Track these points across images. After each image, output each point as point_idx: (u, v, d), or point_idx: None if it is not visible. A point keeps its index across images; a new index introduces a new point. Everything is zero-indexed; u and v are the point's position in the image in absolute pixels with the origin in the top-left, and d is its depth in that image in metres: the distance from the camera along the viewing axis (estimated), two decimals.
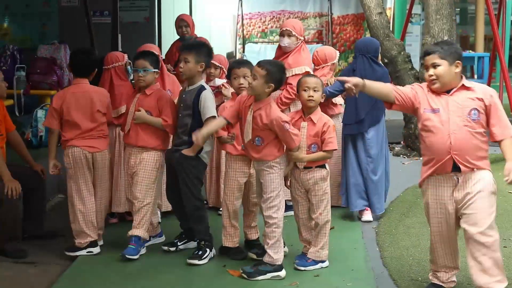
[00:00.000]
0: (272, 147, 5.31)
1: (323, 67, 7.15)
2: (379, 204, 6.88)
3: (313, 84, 5.41)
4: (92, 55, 6.11)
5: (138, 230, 5.75)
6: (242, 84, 5.70)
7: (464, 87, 4.64)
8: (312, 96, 5.39)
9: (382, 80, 6.76)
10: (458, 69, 4.63)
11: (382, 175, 6.90)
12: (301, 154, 5.39)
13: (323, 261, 5.45)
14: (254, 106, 5.31)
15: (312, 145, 5.40)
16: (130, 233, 5.75)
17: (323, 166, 5.45)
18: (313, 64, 7.22)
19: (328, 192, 5.49)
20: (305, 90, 5.43)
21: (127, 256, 5.64)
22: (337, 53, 7.35)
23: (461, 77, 4.67)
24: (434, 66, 4.64)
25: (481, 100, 4.57)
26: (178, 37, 8.61)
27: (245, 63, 5.87)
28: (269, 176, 5.32)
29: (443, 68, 4.60)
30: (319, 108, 5.52)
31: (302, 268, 5.38)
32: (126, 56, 6.69)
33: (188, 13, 17.01)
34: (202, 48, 5.75)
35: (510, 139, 4.58)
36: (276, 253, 5.32)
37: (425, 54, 4.78)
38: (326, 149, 5.38)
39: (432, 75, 4.64)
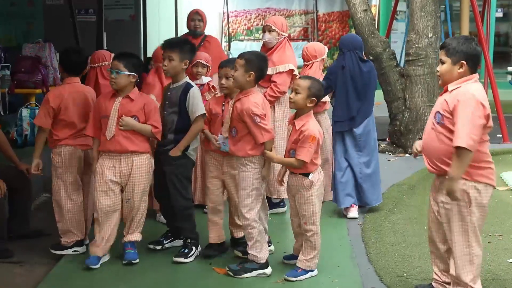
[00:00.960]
0: (244, 142, 5.25)
1: (312, 63, 7.16)
2: (375, 196, 6.90)
3: (295, 86, 5.30)
4: (83, 54, 6.08)
5: (135, 235, 5.68)
6: (224, 84, 5.62)
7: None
8: (291, 98, 5.27)
9: (371, 74, 6.84)
10: (462, 70, 4.42)
11: (377, 167, 6.94)
12: (273, 154, 5.28)
13: (312, 270, 5.35)
14: (236, 96, 5.34)
15: (291, 151, 5.24)
16: (126, 239, 5.66)
17: (306, 175, 5.22)
18: (302, 60, 7.23)
19: (315, 203, 5.23)
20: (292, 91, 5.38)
21: (132, 261, 5.59)
22: (326, 48, 7.36)
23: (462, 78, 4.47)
24: (441, 62, 4.53)
25: (447, 103, 4.42)
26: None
27: (228, 62, 5.71)
28: (241, 173, 5.30)
29: (446, 66, 4.48)
30: (309, 114, 5.24)
31: (294, 279, 5.23)
32: (113, 55, 6.67)
33: (173, 11, 17.00)
34: (185, 46, 5.72)
35: (457, 149, 4.26)
36: (258, 252, 5.32)
37: (440, 47, 4.65)
38: (296, 157, 5.16)
39: (437, 71, 4.58)
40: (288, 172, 5.38)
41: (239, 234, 5.78)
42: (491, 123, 4.44)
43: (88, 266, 5.44)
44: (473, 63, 4.48)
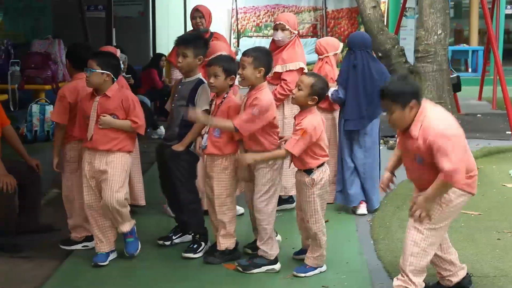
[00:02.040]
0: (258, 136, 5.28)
1: (326, 57, 7.17)
2: (376, 197, 6.91)
3: (298, 82, 5.23)
4: (91, 49, 6.11)
5: (125, 226, 5.59)
6: (212, 83, 5.40)
7: None
8: (293, 94, 5.23)
9: (384, 74, 6.81)
10: (413, 111, 4.37)
11: (377, 168, 6.94)
12: (251, 155, 5.24)
13: (321, 266, 5.34)
14: (249, 94, 5.32)
15: None
16: (119, 231, 5.61)
17: (308, 172, 5.19)
18: (310, 57, 7.24)
19: (316, 202, 5.19)
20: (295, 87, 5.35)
21: (134, 254, 5.63)
22: (341, 44, 7.36)
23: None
24: (390, 110, 4.44)
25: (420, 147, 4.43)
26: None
27: (216, 60, 5.48)
28: (259, 169, 5.31)
29: (397, 114, 4.39)
30: (310, 110, 5.18)
31: (302, 275, 5.23)
32: (119, 50, 6.68)
33: (182, 7, 17.01)
34: (199, 41, 5.71)
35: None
36: (270, 249, 5.33)
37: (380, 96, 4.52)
38: (284, 147, 5.14)
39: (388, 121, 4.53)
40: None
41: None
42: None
43: (97, 264, 5.46)
44: (419, 97, 4.41)
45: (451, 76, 12.65)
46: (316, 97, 5.13)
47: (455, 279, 4.83)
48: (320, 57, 7.23)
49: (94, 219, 5.53)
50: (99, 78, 5.40)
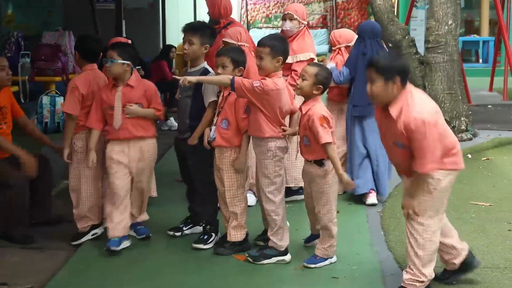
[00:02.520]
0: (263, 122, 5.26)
1: (338, 48, 7.18)
2: (385, 186, 6.91)
3: (302, 72, 5.22)
4: (100, 41, 6.17)
5: (145, 215, 5.99)
6: (220, 74, 5.38)
7: None
8: (297, 84, 5.21)
9: None
10: (395, 86, 4.40)
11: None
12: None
13: (331, 257, 5.34)
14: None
15: (304, 137, 5.19)
16: (139, 219, 5.92)
17: (319, 163, 5.16)
18: (320, 48, 7.25)
19: (329, 192, 5.18)
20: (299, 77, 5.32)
21: (149, 235, 5.90)
22: (355, 36, 7.36)
23: None
24: (372, 80, 4.49)
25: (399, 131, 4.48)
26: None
27: (225, 51, 5.49)
28: (263, 161, 5.32)
29: (379, 85, 4.42)
30: (315, 99, 5.16)
31: (313, 266, 5.23)
32: (130, 42, 6.68)
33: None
34: (206, 30, 5.70)
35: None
36: (279, 240, 5.34)
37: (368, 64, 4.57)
38: (320, 143, 5.03)
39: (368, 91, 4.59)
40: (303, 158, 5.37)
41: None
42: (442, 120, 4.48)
43: (110, 248, 5.49)
44: (405, 77, 4.42)
45: None
46: (320, 86, 5.11)
47: (458, 261, 4.84)
48: (334, 48, 7.24)
49: (118, 203, 5.59)
50: (120, 68, 5.54)
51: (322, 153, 5.11)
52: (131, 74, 5.63)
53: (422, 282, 4.56)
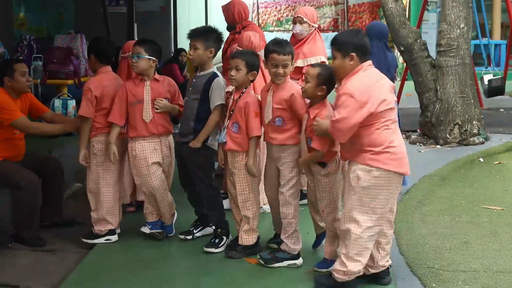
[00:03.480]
0: (294, 129, 5.27)
1: None
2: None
3: (305, 74, 5.16)
4: (113, 44, 6.21)
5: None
6: (233, 76, 5.40)
7: None
8: (302, 87, 5.15)
9: (393, 64, 6.82)
10: (352, 62, 4.64)
11: None
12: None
13: None
14: (274, 87, 5.29)
15: (308, 139, 5.11)
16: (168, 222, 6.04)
17: (322, 165, 5.08)
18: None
19: (331, 193, 5.12)
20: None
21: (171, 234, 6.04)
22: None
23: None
24: (334, 57, 4.79)
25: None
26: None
27: (240, 54, 5.51)
28: (284, 164, 5.31)
29: (337, 61, 4.72)
30: (323, 103, 5.08)
31: (324, 270, 5.17)
32: None
33: (203, 1, 17.04)
34: (211, 34, 5.66)
35: None
36: (293, 243, 5.33)
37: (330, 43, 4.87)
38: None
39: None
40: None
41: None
42: (380, 108, 4.53)
43: (167, 235, 5.95)
44: (362, 53, 4.63)
45: (494, 78, 12.50)
46: (324, 86, 5.03)
47: (373, 270, 4.94)
48: None
49: (165, 196, 5.85)
50: (146, 64, 5.67)
51: (327, 156, 5.06)
52: (155, 70, 5.79)
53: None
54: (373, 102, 4.49)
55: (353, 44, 4.61)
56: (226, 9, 7.24)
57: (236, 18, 7.15)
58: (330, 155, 5.08)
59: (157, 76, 5.78)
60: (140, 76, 5.72)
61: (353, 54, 4.59)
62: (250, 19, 21.57)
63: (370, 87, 4.53)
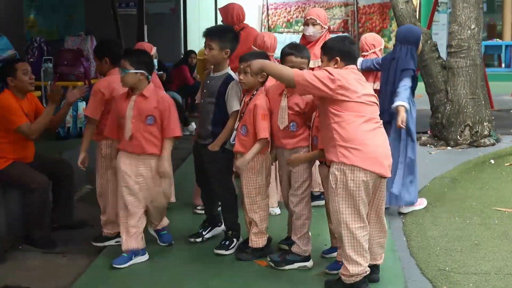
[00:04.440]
0: (306, 132, 5.29)
1: (373, 52, 7.12)
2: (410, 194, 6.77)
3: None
4: (122, 45, 6.17)
5: (164, 221, 5.93)
6: (242, 79, 5.40)
7: None
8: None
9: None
10: (337, 65, 4.83)
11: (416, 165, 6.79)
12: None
13: None
14: (288, 91, 5.26)
15: (314, 137, 5.22)
16: (159, 226, 5.90)
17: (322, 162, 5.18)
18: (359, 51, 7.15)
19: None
20: None
21: (172, 242, 5.90)
22: (383, 40, 7.32)
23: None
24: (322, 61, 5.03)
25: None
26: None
27: (250, 56, 5.38)
28: (301, 166, 5.31)
29: (323, 64, 4.95)
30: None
31: (335, 272, 5.13)
32: (154, 48, 6.70)
33: (213, 3, 17.06)
34: (226, 34, 5.59)
35: None
36: (304, 245, 5.33)
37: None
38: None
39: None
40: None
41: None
42: (348, 94, 4.61)
43: (113, 265, 5.41)
44: (346, 58, 4.83)
45: None
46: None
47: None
48: (365, 53, 7.13)
49: (134, 216, 5.51)
50: (134, 78, 5.34)
51: (307, 141, 5.18)
52: (149, 82, 5.45)
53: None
54: (342, 83, 4.59)
55: (338, 49, 4.86)
56: (225, 11, 7.32)
57: (234, 20, 7.21)
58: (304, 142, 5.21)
59: (146, 91, 5.38)
60: (130, 90, 5.44)
61: (337, 58, 4.82)
62: (260, 20, 21.49)
63: (346, 74, 4.68)
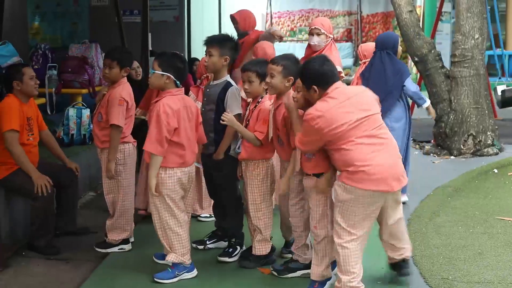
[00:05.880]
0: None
1: (363, 63, 7.24)
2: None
3: (297, 84, 4.95)
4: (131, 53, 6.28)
5: None
6: (247, 89, 5.43)
7: None
8: (294, 98, 5.00)
9: (401, 74, 6.79)
10: (316, 93, 4.69)
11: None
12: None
13: (329, 278, 5.10)
14: (275, 103, 5.28)
15: None
16: None
17: (318, 176, 4.87)
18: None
19: (326, 205, 4.91)
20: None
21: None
22: None
23: None
24: (297, 90, 4.91)
25: None
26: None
27: (251, 65, 5.45)
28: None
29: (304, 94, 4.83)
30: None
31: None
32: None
33: (217, 12, 17.08)
34: (226, 42, 5.62)
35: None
36: (305, 253, 5.33)
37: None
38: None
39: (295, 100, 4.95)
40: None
41: (289, 237, 5.71)
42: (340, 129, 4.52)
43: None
44: (323, 82, 4.65)
45: (507, 88, 12.41)
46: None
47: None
48: (365, 60, 7.23)
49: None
50: (159, 80, 5.19)
51: (324, 166, 4.86)
52: (177, 86, 5.25)
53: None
54: (335, 125, 4.50)
55: (312, 78, 4.67)
56: (242, 17, 7.37)
57: (250, 27, 7.34)
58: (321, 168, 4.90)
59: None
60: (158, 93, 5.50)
61: (314, 86, 4.65)
62: (263, 29, 21.61)
63: (327, 113, 4.53)
